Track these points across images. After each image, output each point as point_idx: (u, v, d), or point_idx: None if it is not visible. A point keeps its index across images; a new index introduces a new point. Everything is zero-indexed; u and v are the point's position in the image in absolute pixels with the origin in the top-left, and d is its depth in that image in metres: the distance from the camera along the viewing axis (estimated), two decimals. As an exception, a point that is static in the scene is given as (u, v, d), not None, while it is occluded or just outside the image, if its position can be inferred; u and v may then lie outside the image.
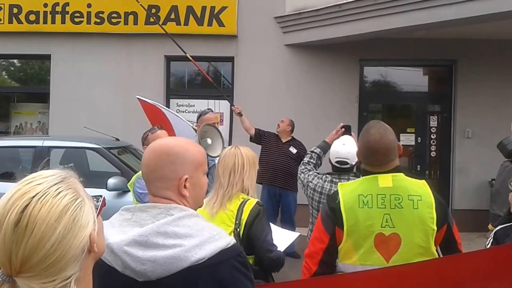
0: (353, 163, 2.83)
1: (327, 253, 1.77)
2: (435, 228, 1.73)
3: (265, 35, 7.19)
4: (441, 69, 7.56)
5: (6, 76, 8.34)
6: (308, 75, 7.17)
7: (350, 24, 6.28)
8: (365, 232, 1.73)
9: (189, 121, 5.37)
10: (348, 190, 1.82)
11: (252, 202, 2.11)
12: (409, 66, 7.54)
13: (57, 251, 0.77)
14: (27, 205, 0.77)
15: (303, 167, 2.96)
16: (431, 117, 7.30)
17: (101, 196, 0.93)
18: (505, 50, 6.76)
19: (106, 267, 1.19)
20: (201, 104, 7.44)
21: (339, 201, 1.78)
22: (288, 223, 5.72)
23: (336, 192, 1.85)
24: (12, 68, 8.35)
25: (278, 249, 2.21)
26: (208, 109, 4.38)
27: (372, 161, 1.85)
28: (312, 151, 3.08)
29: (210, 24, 7.12)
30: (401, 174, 1.83)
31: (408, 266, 1.69)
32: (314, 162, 3.01)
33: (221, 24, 7.14)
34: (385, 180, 1.78)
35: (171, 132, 4.73)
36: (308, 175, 2.87)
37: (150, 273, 1.16)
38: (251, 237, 2.08)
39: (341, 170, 2.80)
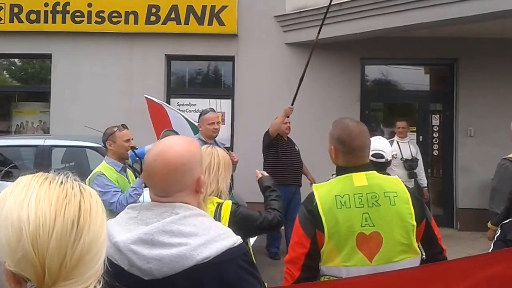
0: (389, 158, 2.77)
1: (309, 257, 1.74)
2: (415, 223, 1.72)
3: (265, 34, 7.18)
4: (442, 67, 7.55)
5: (7, 75, 8.34)
6: (309, 74, 7.12)
7: (351, 23, 6.27)
8: (346, 233, 1.71)
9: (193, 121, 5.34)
10: (323, 192, 1.79)
11: (227, 204, 2.05)
12: (410, 65, 7.54)
13: (103, 246, 0.76)
14: (79, 202, 0.74)
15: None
16: (433, 116, 7.29)
17: None
18: (507, 49, 6.75)
19: (112, 265, 1.18)
20: (202, 103, 7.42)
21: (316, 204, 1.75)
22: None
23: (312, 194, 1.81)
24: (13, 67, 8.35)
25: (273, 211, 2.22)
26: (210, 108, 4.38)
27: (349, 150, 1.82)
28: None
29: (210, 23, 7.11)
30: (374, 172, 1.83)
31: (403, 272, 1.67)
32: None
33: (221, 23, 7.12)
34: (360, 179, 1.77)
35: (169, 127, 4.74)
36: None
37: (156, 271, 1.16)
38: (249, 232, 2.07)
39: (376, 166, 2.74)
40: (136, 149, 3.13)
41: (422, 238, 1.77)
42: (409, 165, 5.58)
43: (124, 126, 3.22)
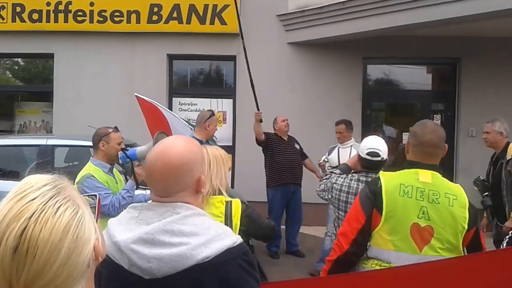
0: (385, 157, 2.79)
1: (361, 233, 1.84)
2: (466, 227, 1.83)
3: (267, 33, 7.19)
4: (444, 67, 7.54)
5: (10, 75, 8.37)
6: (311, 74, 7.16)
7: (353, 22, 6.26)
8: (402, 219, 1.81)
9: (188, 119, 5.35)
10: (389, 178, 1.91)
11: (237, 203, 2.07)
12: (412, 64, 7.52)
13: (63, 273, 0.71)
14: (25, 228, 0.69)
15: (320, 182, 2.96)
16: (434, 115, 7.28)
17: (95, 195, 0.88)
18: (510, 48, 6.73)
19: (113, 264, 1.20)
20: (203, 103, 7.44)
21: (380, 186, 1.86)
22: (298, 221, 5.69)
23: (378, 178, 1.92)
24: (16, 67, 8.38)
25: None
26: (209, 110, 4.41)
27: (418, 143, 1.93)
28: (331, 172, 3.08)
29: (212, 22, 7.12)
30: (438, 174, 1.92)
31: (418, 266, 1.74)
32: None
33: (223, 22, 7.13)
34: (425, 176, 1.88)
35: (168, 131, 4.73)
36: (330, 179, 2.85)
37: (156, 270, 1.17)
38: (250, 234, 2.13)
39: (371, 164, 2.75)
40: (127, 150, 3.11)
41: (468, 244, 1.87)
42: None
43: (116, 129, 3.21)
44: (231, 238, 1.24)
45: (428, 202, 1.82)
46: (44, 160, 4.77)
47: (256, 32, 7.16)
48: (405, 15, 5.81)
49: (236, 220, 2.02)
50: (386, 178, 1.89)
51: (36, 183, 0.75)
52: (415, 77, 7.56)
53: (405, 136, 7.25)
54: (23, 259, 0.68)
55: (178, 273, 1.16)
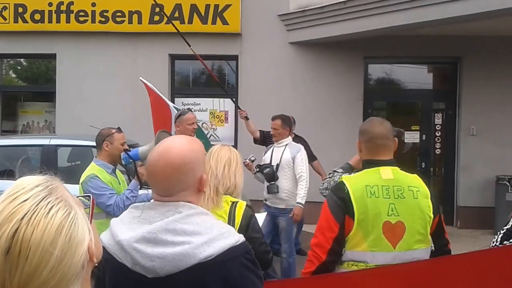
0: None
1: (336, 242, 1.84)
2: (432, 216, 1.88)
3: (269, 33, 7.20)
4: (446, 66, 7.53)
5: (13, 76, 8.40)
6: (312, 73, 7.17)
7: (355, 22, 6.27)
8: (373, 220, 1.82)
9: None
10: (354, 181, 1.92)
11: (241, 204, 2.06)
12: (414, 64, 7.53)
13: (56, 274, 0.70)
14: (17, 229, 0.68)
15: (324, 181, 2.96)
16: (435, 114, 7.28)
17: (89, 196, 0.89)
18: (510, 47, 6.73)
19: (116, 263, 1.22)
20: (206, 103, 7.47)
21: (348, 191, 1.86)
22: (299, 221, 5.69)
23: (342, 183, 1.92)
24: (19, 68, 8.41)
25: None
26: (188, 109, 4.16)
27: (369, 138, 1.97)
28: (334, 171, 3.08)
29: (214, 22, 7.13)
30: (397, 168, 1.96)
31: (410, 265, 1.79)
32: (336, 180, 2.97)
33: (225, 22, 7.14)
34: (386, 173, 1.91)
35: (168, 122, 4.65)
36: (332, 178, 2.84)
37: (159, 269, 1.18)
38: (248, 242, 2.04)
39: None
40: (129, 151, 3.13)
41: (434, 230, 1.91)
42: (266, 174, 4.30)
43: (120, 129, 3.22)
44: (234, 237, 1.25)
45: (395, 198, 1.85)
46: (46, 160, 4.80)
47: (257, 32, 7.17)
48: (406, 14, 5.81)
49: (238, 220, 2.01)
50: (351, 182, 1.90)
51: (28, 184, 0.74)
52: (416, 76, 7.57)
53: (407, 135, 7.26)
54: (16, 260, 0.68)
55: (181, 271, 1.17)
